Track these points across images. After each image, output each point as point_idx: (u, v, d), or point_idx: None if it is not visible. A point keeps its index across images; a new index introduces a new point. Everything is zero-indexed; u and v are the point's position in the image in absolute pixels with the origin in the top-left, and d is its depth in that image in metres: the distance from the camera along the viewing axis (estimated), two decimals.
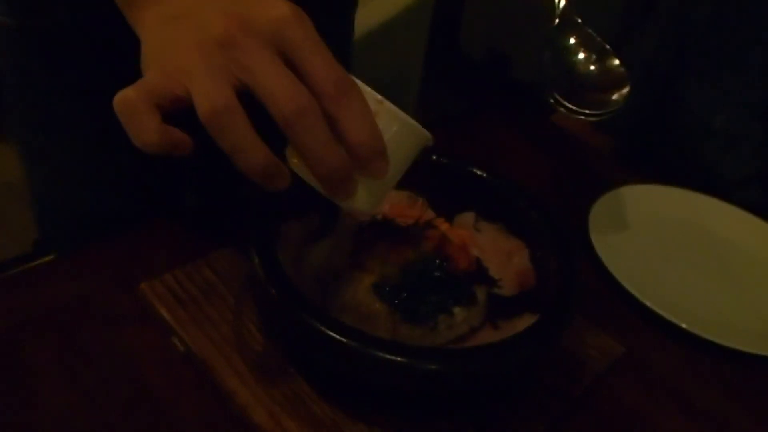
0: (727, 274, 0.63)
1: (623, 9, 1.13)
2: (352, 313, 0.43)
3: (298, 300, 0.39)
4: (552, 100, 0.55)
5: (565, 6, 0.55)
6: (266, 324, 0.45)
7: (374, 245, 0.46)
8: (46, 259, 0.56)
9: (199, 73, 0.33)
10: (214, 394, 0.41)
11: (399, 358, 0.37)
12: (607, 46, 0.55)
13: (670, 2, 0.96)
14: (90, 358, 0.43)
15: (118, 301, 0.47)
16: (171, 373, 0.43)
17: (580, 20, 0.55)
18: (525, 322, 0.42)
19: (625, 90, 0.54)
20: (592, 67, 0.55)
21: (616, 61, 0.55)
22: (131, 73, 0.35)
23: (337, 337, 0.37)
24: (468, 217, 0.53)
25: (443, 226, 0.50)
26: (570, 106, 0.54)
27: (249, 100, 0.34)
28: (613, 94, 0.54)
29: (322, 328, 0.37)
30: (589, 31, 0.55)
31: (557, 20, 0.55)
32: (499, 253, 0.50)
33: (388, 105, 0.36)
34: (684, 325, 0.53)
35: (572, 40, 0.55)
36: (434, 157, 0.52)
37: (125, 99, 0.33)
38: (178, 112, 0.34)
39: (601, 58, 0.55)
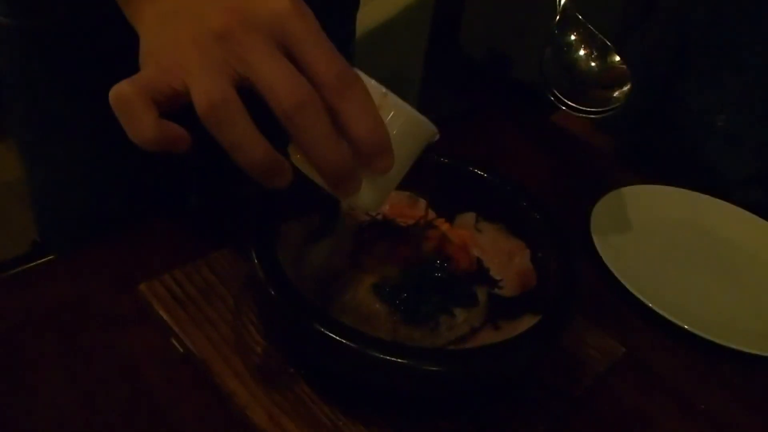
0: (729, 274, 0.63)
1: (623, 9, 1.13)
2: (352, 313, 0.43)
3: (298, 300, 0.39)
4: (552, 98, 0.54)
5: (565, 2, 0.55)
6: (266, 325, 0.45)
7: (374, 245, 0.46)
8: (46, 259, 0.55)
9: (196, 67, 0.32)
10: (213, 395, 0.41)
11: (399, 359, 0.36)
12: (608, 43, 0.55)
13: (670, 2, 0.96)
14: (89, 359, 0.43)
15: (117, 301, 0.47)
16: (170, 373, 0.43)
17: (581, 17, 0.55)
18: (526, 322, 0.42)
19: (626, 87, 0.53)
20: (593, 64, 0.55)
21: (618, 58, 0.54)
22: (131, 73, 0.35)
23: (337, 338, 0.36)
24: (469, 218, 0.53)
25: (444, 226, 0.50)
26: (570, 103, 0.54)
27: (250, 96, 0.33)
28: (614, 91, 0.54)
29: (322, 329, 0.37)
30: (590, 27, 0.55)
31: (558, 17, 0.55)
32: (499, 254, 0.50)
33: (393, 98, 0.35)
34: (685, 326, 0.53)
35: (573, 37, 0.55)
36: (435, 157, 0.52)
37: (120, 93, 0.32)
38: (177, 108, 0.34)
39: (603, 54, 0.55)
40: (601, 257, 0.58)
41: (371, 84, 0.35)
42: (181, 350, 0.44)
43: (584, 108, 0.54)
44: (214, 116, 0.32)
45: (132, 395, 0.41)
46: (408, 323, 0.42)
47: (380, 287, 0.43)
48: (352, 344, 0.36)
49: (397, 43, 1.39)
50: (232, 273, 0.49)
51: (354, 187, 0.35)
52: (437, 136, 0.37)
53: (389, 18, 1.36)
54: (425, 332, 0.42)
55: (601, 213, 0.63)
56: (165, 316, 0.45)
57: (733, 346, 0.52)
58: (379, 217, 0.50)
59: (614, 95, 0.54)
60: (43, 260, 0.53)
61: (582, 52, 0.55)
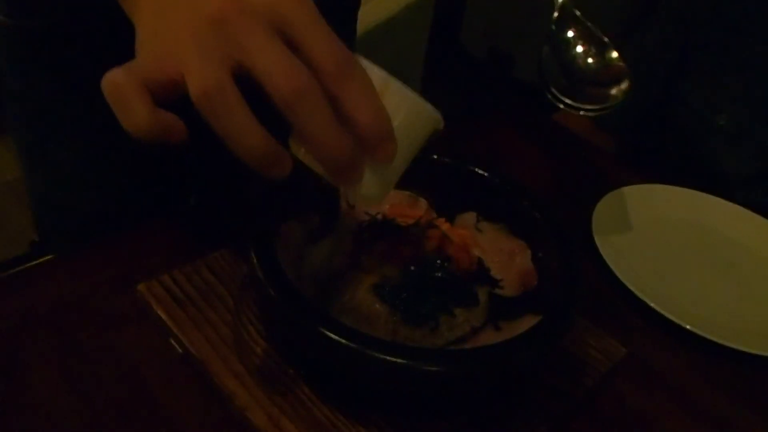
0: (731, 274, 0.63)
1: (625, 7, 1.13)
2: (352, 313, 0.43)
3: (297, 301, 0.39)
4: (550, 96, 0.54)
5: (564, 0, 0.54)
6: (265, 325, 0.45)
7: (374, 245, 0.46)
8: (46, 259, 0.55)
9: (191, 54, 0.31)
10: (212, 396, 0.41)
11: (399, 360, 0.36)
12: (606, 40, 0.54)
13: (672, 1, 0.95)
14: (88, 359, 0.43)
15: (116, 301, 0.47)
16: (169, 374, 0.43)
17: (579, 14, 0.54)
18: (527, 323, 0.42)
19: (625, 85, 0.53)
20: (591, 61, 0.54)
21: (616, 55, 0.54)
22: None
23: (337, 338, 0.36)
24: (469, 217, 0.52)
25: (444, 226, 0.50)
26: (568, 101, 0.54)
27: (248, 90, 0.32)
28: (611, 88, 0.54)
29: (322, 329, 0.37)
30: (589, 24, 0.54)
31: (556, 14, 0.55)
32: (500, 254, 0.50)
33: (396, 84, 0.34)
34: (687, 326, 0.53)
35: (571, 34, 0.54)
36: (435, 157, 0.52)
37: (113, 80, 0.32)
38: (174, 99, 0.33)
39: (601, 51, 0.54)
40: (602, 257, 0.58)
41: (373, 71, 0.34)
42: (180, 351, 0.43)
43: (582, 106, 0.54)
44: (210, 103, 0.31)
45: (131, 395, 0.41)
46: (408, 323, 0.42)
47: (380, 287, 0.43)
48: (352, 344, 0.36)
49: (397, 41, 1.39)
50: (231, 273, 0.48)
51: (356, 177, 0.34)
52: (442, 125, 0.36)
53: (390, 17, 1.36)
54: (425, 332, 0.42)
55: (603, 213, 0.63)
56: (164, 317, 0.45)
57: (735, 346, 0.52)
58: (379, 216, 0.49)
59: (612, 92, 0.54)
60: (42, 260, 0.53)
61: (580, 49, 0.54)
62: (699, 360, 0.52)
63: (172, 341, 0.44)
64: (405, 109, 0.34)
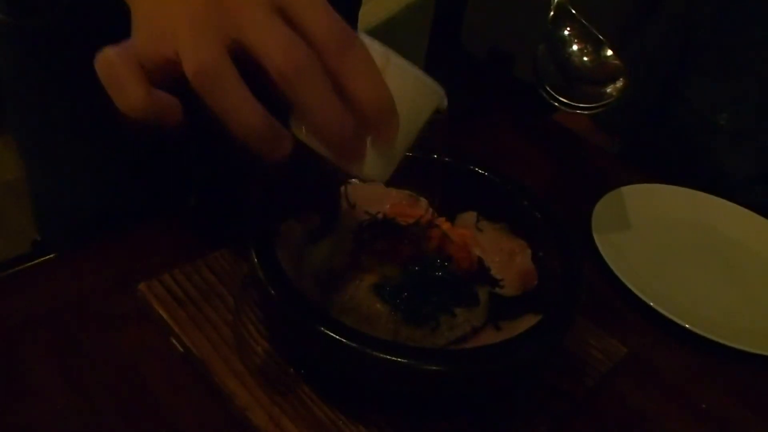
0: (732, 274, 0.63)
1: (626, 7, 1.13)
2: (352, 313, 0.43)
3: (298, 300, 0.39)
4: (545, 94, 0.54)
5: None
6: (266, 325, 0.45)
7: (375, 245, 0.46)
8: (46, 258, 0.55)
9: (186, 32, 0.30)
10: (213, 395, 0.41)
11: (400, 359, 0.36)
12: (602, 38, 0.54)
13: (674, 1, 0.95)
14: (89, 358, 0.43)
15: (117, 301, 0.47)
16: (170, 373, 0.43)
17: (575, 12, 0.54)
18: (527, 322, 0.42)
19: (620, 83, 0.53)
20: (586, 59, 0.54)
21: (611, 53, 0.54)
22: None
23: (338, 338, 0.36)
24: (470, 217, 0.52)
25: (445, 225, 0.50)
26: (563, 99, 0.54)
27: (248, 74, 0.31)
28: (607, 86, 0.53)
29: (322, 329, 0.37)
30: (584, 23, 0.54)
31: (552, 12, 0.55)
32: (501, 253, 0.50)
33: (397, 60, 0.33)
34: (688, 326, 0.53)
35: (567, 32, 0.54)
36: (436, 156, 0.52)
37: (106, 59, 0.31)
38: (170, 80, 0.32)
39: (596, 49, 0.54)
40: (602, 257, 0.58)
41: (374, 46, 0.33)
42: (181, 350, 0.43)
43: (577, 104, 0.54)
44: (205, 80, 0.30)
45: (131, 395, 0.41)
46: (408, 323, 0.42)
47: (381, 287, 0.43)
48: (352, 344, 0.36)
49: (397, 42, 1.39)
50: (231, 273, 0.49)
51: (359, 154, 0.33)
52: (446, 101, 0.35)
53: (390, 16, 1.36)
54: (426, 332, 0.42)
55: (603, 212, 0.63)
56: (165, 316, 0.45)
57: (736, 345, 0.52)
58: (380, 216, 0.49)
59: (608, 91, 0.53)
60: (43, 259, 0.53)
61: (575, 48, 0.54)
62: (699, 359, 0.52)
63: (173, 341, 0.44)
64: (407, 85, 0.33)
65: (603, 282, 0.57)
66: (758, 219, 0.68)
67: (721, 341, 0.52)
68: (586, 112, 0.54)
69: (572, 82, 0.54)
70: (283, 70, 0.30)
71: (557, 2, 0.54)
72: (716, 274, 0.62)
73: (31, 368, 0.42)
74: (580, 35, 0.54)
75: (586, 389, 0.46)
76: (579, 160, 0.77)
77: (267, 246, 0.41)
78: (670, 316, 0.53)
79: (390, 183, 0.53)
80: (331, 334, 0.36)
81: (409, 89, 0.34)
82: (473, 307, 0.44)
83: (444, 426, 0.41)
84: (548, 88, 0.54)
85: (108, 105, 0.33)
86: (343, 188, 0.49)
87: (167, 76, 0.31)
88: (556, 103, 0.54)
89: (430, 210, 0.52)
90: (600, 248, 0.58)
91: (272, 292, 0.39)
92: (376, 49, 0.33)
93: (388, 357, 0.36)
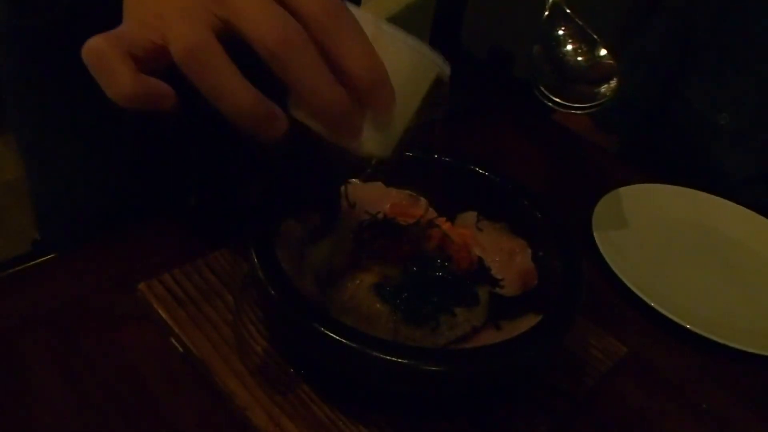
0: (732, 273, 0.63)
1: (627, 6, 1.13)
2: (352, 313, 0.43)
3: (298, 300, 0.39)
4: (539, 94, 0.54)
5: None
6: (266, 325, 0.45)
7: (375, 245, 0.46)
8: (46, 258, 0.55)
9: (172, 15, 0.30)
10: (213, 395, 0.41)
11: (400, 359, 0.36)
12: (596, 37, 0.54)
13: (675, 1, 0.95)
14: (89, 358, 0.43)
15: (117, 301, 0.47)
16: (170, 373, 0.43)
17: (569, 12, 0.54)
18: (527, 322, 0.42)
19: (614, 83, 0.53)
20: (581, 59, 0.54)
21: (605, 52, 0.54)
22: None
23: (338, 338, 0.36)
24: (470, 217, 0.52)
25: (445, 225, 0.50)
26: (557, 99, 0.54)
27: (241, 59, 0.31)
28: (601, 86, 0.53)
29: (323, 329, 0.37)
30: (579, 22, 0.54)
31: (547, 12, 0.55)
32: (501, 253, 0.50)
33: (389, 29, 0.32)
34: (688, 325, 0.53)
35: (561, 32, 0.54)
36: (436, 156, 0.52)
37: (94, 46, 0.30)
38: (159, 67, 0.31)
39: (590, 49, 0.54)
40: (603, 256, 0.58)
41: (364, 17, 0.32)
42: (181, 350, 0.43)
43: (571, 104, 0.54)
44: (192, 60, 0.30)
45: (131, 395, 0.41)
46: (409, 323, 0.42)
47: (381, 287, 0.43)
48: (352, 344, 0.36)
49: None
50: (232, 273, 0.48)
51: (355, 129, 0.32)
52: (448, 69, 0.34)
53: (390, 16, 1.36)
54: (426, 332, 0.42)
55: (603, 212, 0.63)
56: (165, 316, 0.45)
57: (736, 345, 0.52)
58: (380, 216, 0.49)
59: (602, 90, 0.53)
60: (43, 259, 0.53)
61: (570, 47, 0.54)
62: (699, 359, 0.52)
63: (173, 341, 0.44)
64: (401, 54, 0.32)
65: (603, 282, 0.57)
66: (758, 219, 0.68)
67: (721, 341, 0.52)
68: (579, 112, 0.54)
69: (567, 81, 0.54)
70: (271, 45, 0.30)
71: (552, 2, 0.54)
72: (717, 273, 0.62)
73: (31, 368, 0.42)
74: (575, 35, 0.54)
75: (586, 389, 0.46)
76: (579, 160, 0.77)
77: (267, 246, 0.41)
78: (670, 316, 0.53)
79: (390, 183, 0.53)
80: (331, 334, 0.36)
81: (404, 58, 0.33)
82: (473, 307, 0.44)
83: (444, 426, 0.41)
84: (542, 88, 0.54)
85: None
86: (343, 188, 0.49)
87: (158, 63, 0.31)
88: (550, 103, 0.54)
89: (431, 210, 0.52)
90: (600, 248, 0.58)
91: (272, 292, 0.39)
92: (365, 18, 0.32)
93: (388, 357, 0.36)
